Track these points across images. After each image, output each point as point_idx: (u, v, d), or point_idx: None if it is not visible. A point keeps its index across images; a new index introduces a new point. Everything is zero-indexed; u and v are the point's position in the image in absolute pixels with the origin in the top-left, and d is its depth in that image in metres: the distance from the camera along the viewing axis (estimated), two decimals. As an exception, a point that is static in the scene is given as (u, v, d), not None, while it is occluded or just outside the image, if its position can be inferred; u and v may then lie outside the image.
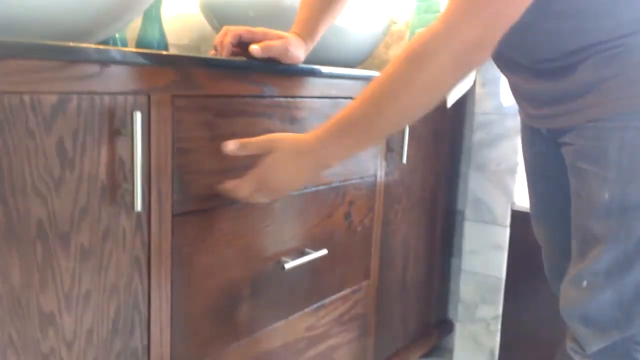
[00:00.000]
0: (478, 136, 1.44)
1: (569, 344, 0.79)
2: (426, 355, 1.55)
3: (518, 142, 1.38)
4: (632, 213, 0.68)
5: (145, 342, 0.74)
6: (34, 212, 0.59)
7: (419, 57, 0.62)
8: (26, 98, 0.57)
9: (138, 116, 0.65)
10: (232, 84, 0.80)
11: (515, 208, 1.41)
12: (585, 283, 0.73)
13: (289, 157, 0.72)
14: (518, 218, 1.40)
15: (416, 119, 0.69)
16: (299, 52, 0.86)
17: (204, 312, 0.82)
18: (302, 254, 0.99)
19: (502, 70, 0.85)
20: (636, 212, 0.68)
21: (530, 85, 0.78)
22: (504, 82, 1.37)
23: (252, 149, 0.73)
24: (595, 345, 0.74)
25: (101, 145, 0.65)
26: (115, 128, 0.66)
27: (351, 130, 0.68)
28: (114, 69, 0.64)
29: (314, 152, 0.71)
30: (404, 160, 1.23)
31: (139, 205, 0.67)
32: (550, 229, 0.93)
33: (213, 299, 0.83)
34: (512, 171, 1.40)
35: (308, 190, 0.98)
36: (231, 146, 0.72)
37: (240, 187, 0.75)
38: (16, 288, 0.59)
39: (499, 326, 1.45)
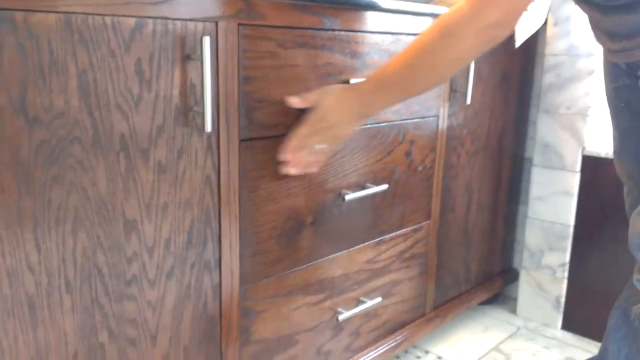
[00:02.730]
0: (548, 78, 1.39)
1: (636, 276, 0.77)
2: (489, 301, 1.56)
3: (590, 84, 1.32)
4: None
5: (217, 255, 0.80)
6: (117, 127, 0.66)
7: (448, 34, 0.76)
8: (107, 20, 0.63)
9: (207, 41, 0.70)
10: (294, 15, 0.83)
11: (586, 153, 1.36)
12: None
13: (337, 101, 0.85)
14: (589, 164, 1.36)
15: (445, 81, 0.94)
16: (359, -16, 0.87)
17: (270, 235, 0.87)
18: (363, 188, 1.02)
19: (578, 4, 0.82)
20: None
21: (606, 20, 0.76)
22: (575, 21, 1.31)
23: (310, 100, 0.85)
24: None
25: (174, 68, 0.70)
26: (187, 53, 0.71)
27: (390, 87, 0.83)
28: (184, -4, 0.69)
29: (357, 99, 0.85)
30: (468, 102, 1.21)
31: (208, 126, 0.73)
32: (632, 164, 0.90)
33: (277, 222, 0.88)
34: (584, 115, 1.34)
35: (369, 125, 1.00)
36: (293, 100, 0.85)
37: (296, 132, 0.85)
38: (103, 195, 0.67)
39: (566, 274, 1.42)
